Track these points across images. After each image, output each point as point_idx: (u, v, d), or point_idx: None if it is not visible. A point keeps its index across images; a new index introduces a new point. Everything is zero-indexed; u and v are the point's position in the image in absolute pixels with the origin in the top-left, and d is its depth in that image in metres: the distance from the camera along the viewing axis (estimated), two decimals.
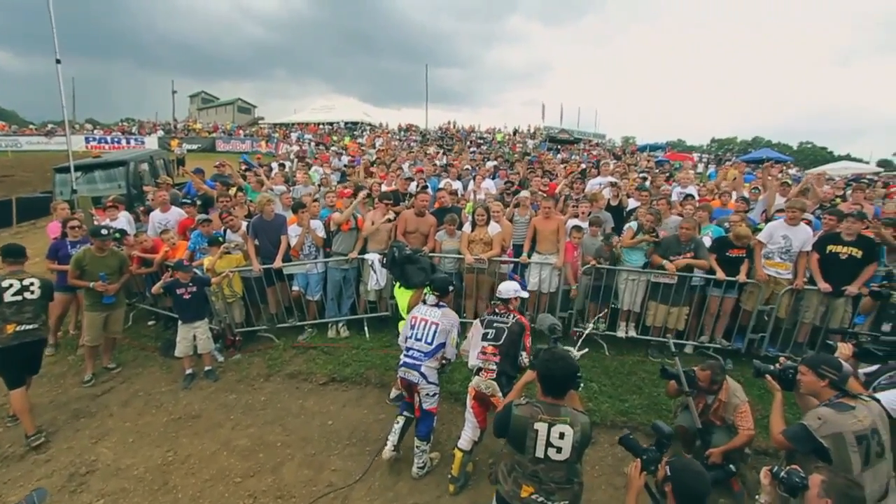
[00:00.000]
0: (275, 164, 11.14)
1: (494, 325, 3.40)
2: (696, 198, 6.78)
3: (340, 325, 5.54)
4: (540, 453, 2.14)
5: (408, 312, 3.75)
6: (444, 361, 3.52)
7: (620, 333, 5.29)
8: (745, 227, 5.06)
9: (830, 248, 4.59)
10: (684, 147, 48.32)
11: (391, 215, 5.46)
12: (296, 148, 18.02)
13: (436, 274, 4.07)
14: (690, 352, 5.17)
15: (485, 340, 3.35)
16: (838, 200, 7.79)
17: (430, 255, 5.27)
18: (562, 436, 2.12)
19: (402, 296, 3.95)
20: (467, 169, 9.53)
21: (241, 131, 30.85)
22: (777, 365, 2.76)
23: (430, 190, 7.12)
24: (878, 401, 2.42)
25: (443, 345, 3.41)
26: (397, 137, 26.95)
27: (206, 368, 4.80)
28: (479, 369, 3.31)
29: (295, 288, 5.48)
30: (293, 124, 33.15)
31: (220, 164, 8.59)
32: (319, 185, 7.97)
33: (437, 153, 16.03)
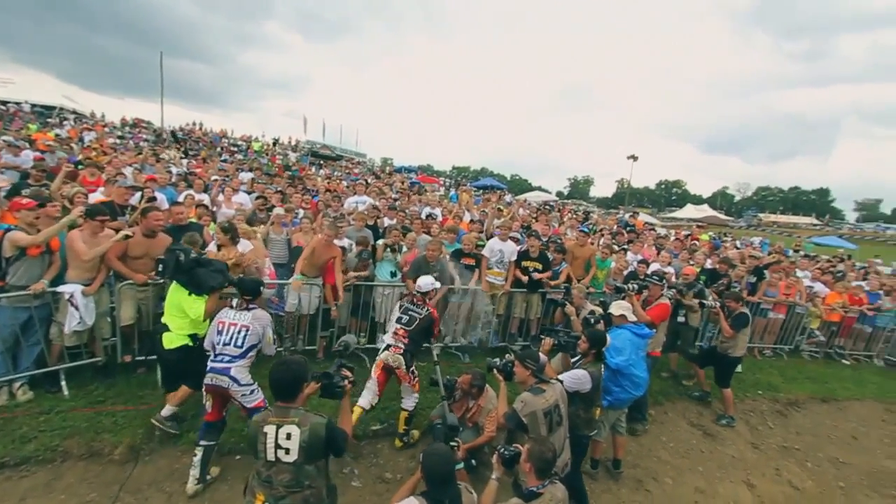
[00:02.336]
0: None
1: (409, 312, 4.10)
2: (440, 217, 7.90)
3: (18, 385, 4.01)
4: (271, 456, 2.18)
5: (205, 319, 3.57)
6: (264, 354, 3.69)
7: (380, 344, 5.62)
8: (475, 236, 6.19)
9: (524, 262, 6.12)
10: (432, 171, 55.47)
11: (128, 231, 4.32)
12: None
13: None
14: (438, 352, 5.92)
15: (398, 323, 4.05)
16: (533, 220, 10.43)
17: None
18: (289, 436, 2.16)
19: (195, 303, 3.55)
20: (216, 179, 8.46)
21: None
22: (500, 360, 3.43)
23: (164, 203, 6.02)
24: (561, 382, 3.31)
25: (254, 346, 3.42)
26: (119, 133, 21.66)
27: None
28: (389, 346, 3.98)
29: None
30: None
31: None
32: None
33: (177, 157, 13.68)
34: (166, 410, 3.69)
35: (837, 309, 7.81)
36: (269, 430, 2.18)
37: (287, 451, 2.16)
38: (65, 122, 21.54)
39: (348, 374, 2.67)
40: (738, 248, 13.82)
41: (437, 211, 8.68)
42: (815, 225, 51.84)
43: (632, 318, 4.08)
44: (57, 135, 13.99)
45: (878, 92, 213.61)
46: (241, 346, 3.31)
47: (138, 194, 6.32)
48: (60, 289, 3.99)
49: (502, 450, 2.56)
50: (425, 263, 5.59)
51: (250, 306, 3.50)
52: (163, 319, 3.67)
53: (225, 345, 3.31)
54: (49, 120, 21.87)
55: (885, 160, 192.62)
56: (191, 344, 3.61)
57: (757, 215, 61.75)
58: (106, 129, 20.36)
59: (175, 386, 3.73)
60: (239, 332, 3.33)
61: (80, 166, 8.27)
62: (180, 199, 6.34)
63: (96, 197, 5.86)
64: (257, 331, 3.38)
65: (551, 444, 2.70)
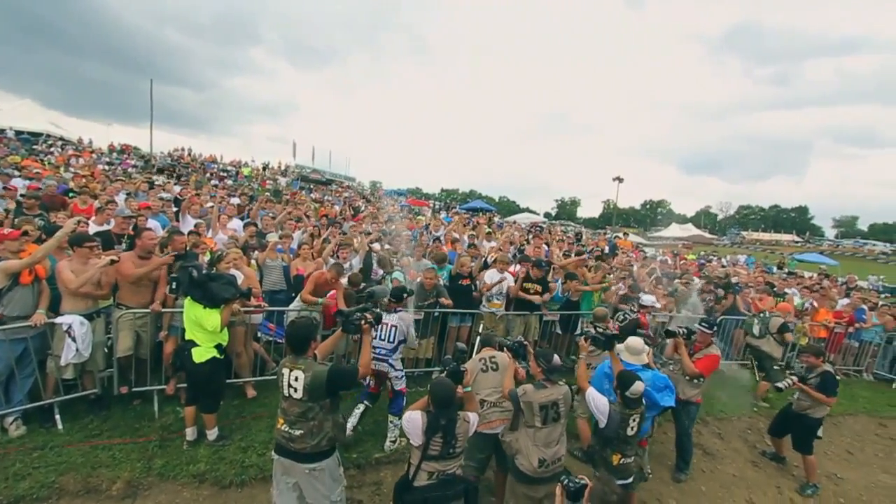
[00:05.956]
0: None
1: (625, 314, 5.28)
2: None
3: (11, 420, 3.89)
4: (286, 392, 2.76)
5: (221, 330, 3.86)
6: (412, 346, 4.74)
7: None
8: (467, 259, 6.32)
9: (525, 285, 6.23)
10: (421, 194, 55.92)
11: (114, 256, 4.27)
12: None
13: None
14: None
15: (616, 321, 5.15)
16: (526, 243, 10.54)
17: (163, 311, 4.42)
18: (296, 378, 2.72)
19: (211, 316, 3.77)
20: (211, 206, 8.44)
21: None
22: (510, 341, 3.68)
23: (158, 230, 5.99)
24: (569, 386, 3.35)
25: (403, 341, 4.31)
26: (108, 159, 21.52)
27: None
28: None
29: None
30: None
31: None
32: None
33: (168, 184, 13.57)
34: (212, 434, 4.07)
35: (826, 325, 8.00)
36: (285, 371, 2.76)
37: (295, 389, 2.71)
38: (52, 149, 21.37)
39: (368, 316, 3.18)
40: (723, 266, 14.13)
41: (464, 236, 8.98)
42: (796, 242, 53.21)
43: (631, 359, 3.88)
44: (49, 162, 13.88)
45: (847, 113, 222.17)
46: (392, 342, 4.18)
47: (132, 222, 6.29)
48: (59, 320, 3.92)
49: (567, 482, 2.27)
50: (422, 290, 5.62)
51: (397, 309, 4.32)
52: (186, 336, 3.88)
53: (380, 339, 4.14)
54: (35, 147, 21.64)
55: (857, 178, 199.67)
56: (218, 356, 3.90)
57: (740, 233, 63.23)
58: (94, 156, 20.26)
59: (197, 401, 4.01)
60: (389, 330, 4.18)
61: (70, 194, 8.23)
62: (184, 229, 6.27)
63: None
64: (403, 329, 4.22)
65: (617, 485, 3.25)
